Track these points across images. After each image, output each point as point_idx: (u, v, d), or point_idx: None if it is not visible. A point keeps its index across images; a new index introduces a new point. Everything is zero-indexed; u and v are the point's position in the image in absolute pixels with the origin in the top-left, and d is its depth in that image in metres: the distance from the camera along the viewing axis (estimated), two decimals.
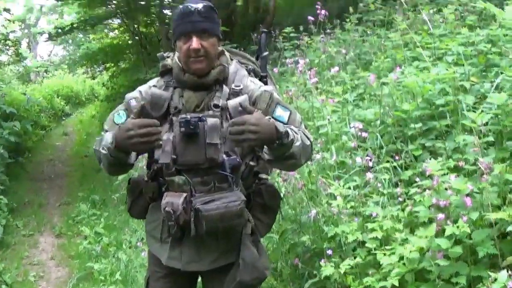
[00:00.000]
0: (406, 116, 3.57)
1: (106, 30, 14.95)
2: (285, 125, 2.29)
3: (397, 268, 2.82)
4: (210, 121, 2.33)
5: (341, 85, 4.55)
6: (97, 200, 7.88)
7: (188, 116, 2.33)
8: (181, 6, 2.41)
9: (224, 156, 2.34)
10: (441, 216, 2.75)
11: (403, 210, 3.21)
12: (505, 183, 2.73)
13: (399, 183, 3.41)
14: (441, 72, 3.67)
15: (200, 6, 2.36)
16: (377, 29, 6.13)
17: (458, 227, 2.65)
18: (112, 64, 14.14)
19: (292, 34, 6.39)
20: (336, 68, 4.55)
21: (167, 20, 10.78)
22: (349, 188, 3.38)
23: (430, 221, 3.08)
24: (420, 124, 3.51)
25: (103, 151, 2.36)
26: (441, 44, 4.29)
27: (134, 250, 5.50)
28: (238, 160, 2.35)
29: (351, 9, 6.28)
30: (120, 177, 6.71)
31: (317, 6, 5.61)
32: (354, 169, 3.64)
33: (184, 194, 2.33)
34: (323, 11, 5.51)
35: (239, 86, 2.44)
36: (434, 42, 4.57)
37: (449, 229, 2.67)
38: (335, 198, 3.33)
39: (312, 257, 3.48)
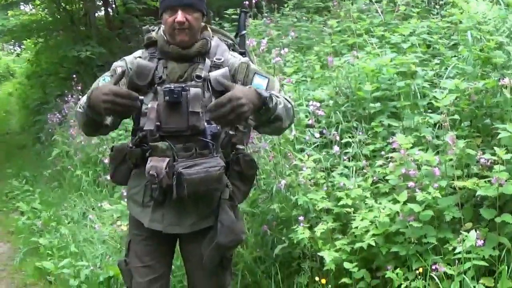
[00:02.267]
0: (367, 96, 3.87)
1: (22, 6, 14.26)
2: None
3: (372, 231, 3.11)
4: (193, 90, 2.49)
5: (292, 66, 4.79)
6: (28, 177, 7.70)
7: (172, 86, 2.48)
8: None
9: (206, 123, 2.50)
10: (411, 184, 3.08)
11: (365, 180, 3.52)
12: (467, 157, 3.09)
13: (361, 157, 3.72)
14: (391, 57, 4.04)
15: None
16: (311, 16, 6.44)
17: (429, 193, 2.99)
18: (38, 40, 13.58)
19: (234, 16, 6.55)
20: (286, 50, 4.79)
21: None
22: (315, 161, 3.64)
23: (392, 191, 3.44)
24: (379, 104, 3.82)
25: (79, 110, 2.51)
26: (386, 33, 4.63)
27: (77, 225, 5.50)
28: (218, 128, 2.52)
29: None
30: (53, 153, 6.67)
31: None
32: (312, 145, 3.91)
33: (167, 159, 2.48)
34: None
35: (220, 59, 2.62)
36: (373, 30, 4.93)
37: (420, 195, 3.00)
38: (300, 169, 3.59)
39: (278, 224, 3.71)
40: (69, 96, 8.64)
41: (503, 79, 2.97)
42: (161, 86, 2.53)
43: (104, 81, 2.64)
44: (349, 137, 3.83)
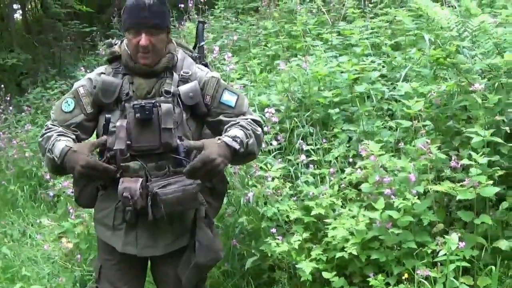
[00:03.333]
0: (324, 102, 3.87)
1: None
2: (234, 120, 2.46)
3: (352, 239, 3.12)
4: (164, 106, 2.42)
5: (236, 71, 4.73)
6: None
7: (142, 102, 2.40)
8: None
9: (178, 140, 2.42)
10: (388, 191, 3.11)
11: (332, 187, 3.53)
12: (439, 161, 3.16)
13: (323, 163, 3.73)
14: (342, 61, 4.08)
15: (151, 1, 2.40)
16: (244, 17, 6.39)
17: (408, 199, 3.03)
18: None
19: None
20: (229, 55, 4.71)
21: None
22: (278, 170, 3.61)
23: (359, 197, 3.47)
24: (337, 110, 3.84)
25: (49, 155, 2.41)
26: (329, 35, 4.67)
27: (17, 243, 5.21)
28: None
29: None
30: None
31: None
32: (271, 153, 3.88)
33: (140, 179, 2.38)
34: None
35: (188, 72, 2.54)
36: (309, 31, 4.97)
37: (399, 202, 3.04)
38: (263, 178, 3.55)
39: (246, 237, 3.66)
40: None
41: (473, 84, 3.04)
42: (129, 103, 2.43)
43: (66, 103, 2.52)
44: (307, 144, 3.81)
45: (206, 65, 2.74)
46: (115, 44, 2.61)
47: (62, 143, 2.36)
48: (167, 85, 2.49)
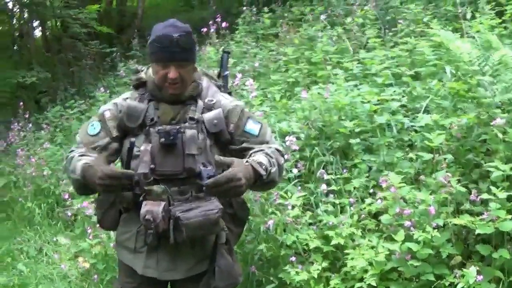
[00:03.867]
0: (345, 131, 3.91)
1: None
2: (259, 147, 2.50)
3: (372, 270, 3.15)
4: (188, 132, 2.45)
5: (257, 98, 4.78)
6: None
7: (167, 127, 2.44)
8: (161, 30, 2.47)
9: (201, 166, 2.43)
10: (408, 223, 3.14)
11: (351, 217, 3.56)
12: (460, 194, 3.19)
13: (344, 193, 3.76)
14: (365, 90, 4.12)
15: (180, 35, 2.43)
16: (262, 42, 6.46)
17: (427, 232, 3.05)
18: None
19: None
20: (251, 81, 4.76)
21: None
22: (299, 198, 3.64)
23: (378, 227, 3.50)
24: (358, 140, 3.87)
25: (73, 176, 2.47)
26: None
27: (33, 260, 5.26)
28: (214, 171, 2.43)
29: (240, 21, 6.54)
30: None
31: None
32: (292, 180, 3.92)
33: (163, 203, 2.39)
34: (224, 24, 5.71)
35: (212, 100, 2.58)
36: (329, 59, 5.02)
37: (418, 234, 3.07)
38: (283, 206, 3.58)
39: (264, 263, 3.68)
40: (15, 123, 8.30)
41: (494, 118, 3.08)
42: (154, 128, 2.47)
43: (92, 127, 2.57)
44: (328, 173, 3.85)
45: (230, 94, 2.79)
46: (141, 71, 2.66)
47: (81, 162, 2.42)
48: (192, 112, 2.53)
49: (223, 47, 6.08)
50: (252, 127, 2.57)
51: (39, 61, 10.64)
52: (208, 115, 2.53)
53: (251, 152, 2.50)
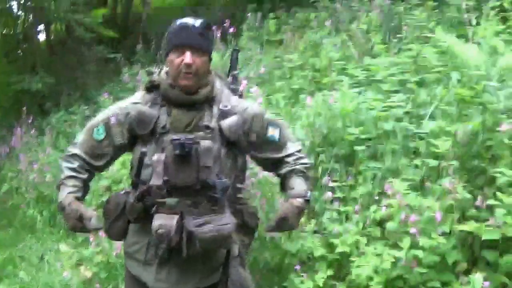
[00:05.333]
0: (350, 138, 3.90)
1: None
2: (287, 166, 2.57)
3: (377, 278, 3.12)
4: (204, 143, 2.36)
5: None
6: None
7: (181, 138, 2.33)
8: (178, 21, 2.45)
9: (215, 178, 2.37)
10: (414, 230, 3.12)
11: (356, 225, 3.53)
12: (465, 200, 3.17)
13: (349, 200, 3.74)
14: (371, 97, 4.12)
15: (197, 22, 2.42)
16: (267, 48, 6.45)
17: (434, 238, 3.03)
18: None
19: None
20: (256, 88, 4.74)
21: None
22: None
23: (383, 235, 3.47)
24: (363, 147, 3.85)
25: (57, 191, 2.55)
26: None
27: (35, 268, 5.23)
28: (228, 183, 2.40)
29: (244, 27, 6.54)
30: (2, 190, 6.36)
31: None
32: None
33: (176, 216, 2.32)
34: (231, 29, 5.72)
35: (227, 106, 2.50)
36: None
37: (424, 241, 3.05)
38: None
39: (268, 272, 3.66)
40: (18, 128, 8.23)
41: (500, 124, 3.07)
42: (165, 136, 2.40)
43: (97, 131, 2.51)
44: (333, 180, 3.83)
45: (240, 96, 2.71)
46: (154, 73, 2.57)
47: (65, 192, 2.47)
48: (207, 118, 2.46)
49: (228, 51, 6.06)
50: (272, 132, 2.56)
51: (43, 64, 10.58)
52: (225, 123, 2.45)
53: (283, 172, 2.59)
